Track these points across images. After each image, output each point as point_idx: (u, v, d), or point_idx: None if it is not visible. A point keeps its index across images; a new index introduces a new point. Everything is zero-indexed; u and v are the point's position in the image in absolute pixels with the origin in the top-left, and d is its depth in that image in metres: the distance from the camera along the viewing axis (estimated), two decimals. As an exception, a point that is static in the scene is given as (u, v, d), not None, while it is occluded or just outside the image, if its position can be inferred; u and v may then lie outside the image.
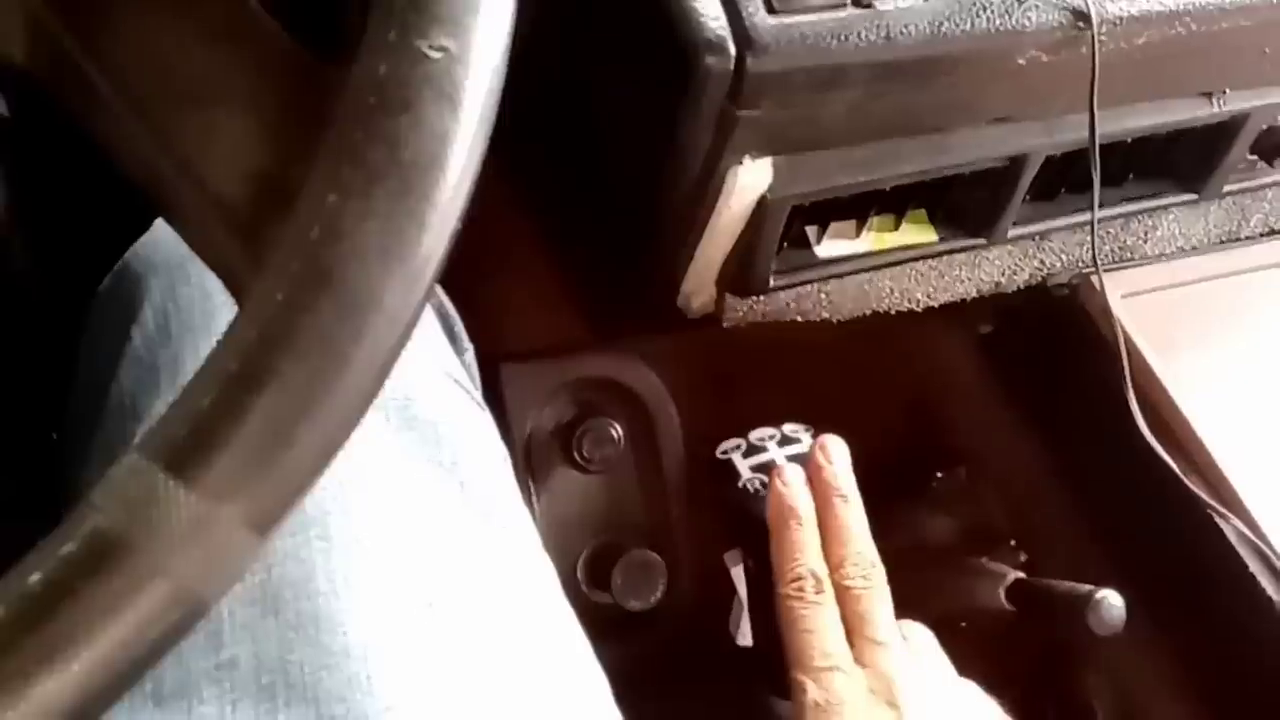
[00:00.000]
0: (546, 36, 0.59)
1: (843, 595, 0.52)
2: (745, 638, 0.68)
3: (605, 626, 0.70)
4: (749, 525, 0.65)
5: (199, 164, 0.28)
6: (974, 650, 0.74)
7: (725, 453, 0.65)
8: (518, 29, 0.30)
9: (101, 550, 0.23)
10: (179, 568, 0.24)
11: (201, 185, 0.28)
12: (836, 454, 0.57)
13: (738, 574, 0.67)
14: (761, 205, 0.57)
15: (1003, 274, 0.70)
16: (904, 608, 0.77)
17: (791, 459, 0.64)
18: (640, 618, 0.70)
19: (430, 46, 0.27)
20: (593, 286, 0.71)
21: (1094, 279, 0.66)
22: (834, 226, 0.63)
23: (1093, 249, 0.62)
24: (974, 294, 0.70)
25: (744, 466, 0.64)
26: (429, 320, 0.55)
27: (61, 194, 0.66)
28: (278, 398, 0.24)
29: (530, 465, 0.72)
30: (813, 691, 0.48)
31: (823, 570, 0.53)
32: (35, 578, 0.23)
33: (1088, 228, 0.64)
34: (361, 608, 0.41)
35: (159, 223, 0.52)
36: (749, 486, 0.63)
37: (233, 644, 0.39)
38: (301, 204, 0.26)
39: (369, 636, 0.40)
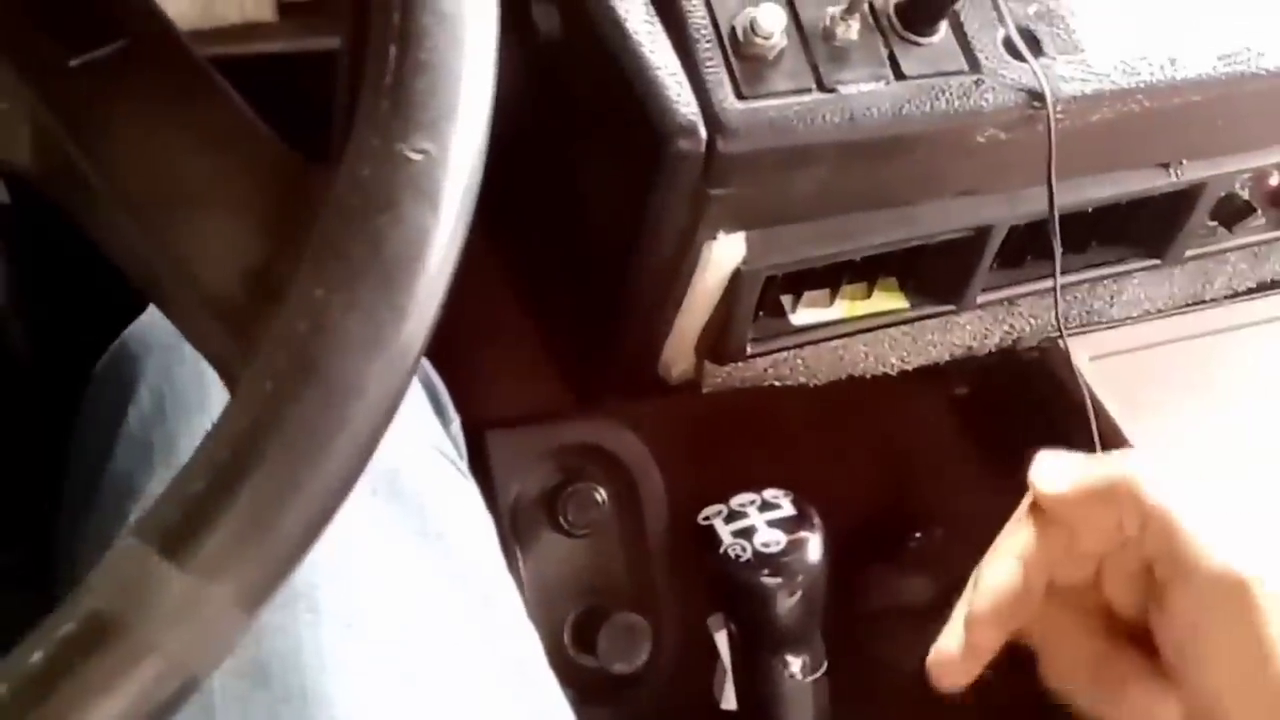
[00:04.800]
0: (529, 118, 0.62)
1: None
2: (729, 702, 0.69)
3: (591, 690, 0.71)
4: (731, 590, 0.66)
5: (193, 262, 0.30)
6: (954, 707, 0.75)
7: (707, 519, 0.67)
8: (496, 116, 0.32)
9: (98, 630, 0.25)
10: (171, 645, 0.25)
11: (196, 282, 0.30)
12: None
13: (720, 639, 0.68)
14: (736, 277, 0.59)
15: (974, 338, 0.72)
16: (885, 667, 0.78)
17: (772, 525, 0.65)
18: (626, 681, 0.71)
19: (411, 150, 0.29)
20: (576, 356, 0.73)
21: (1061, 342, 0.68)
22: (808, 295, 0.65)
23: (1056, 314, 0.64)
24: (946, 358, 0.72)
25: (725, 532, 0.65)
26: (416, 393, 0.57)
27: (60, 276, 0.67)
28: (265, 483, 0.26)
29: (516, 530, 0.74)
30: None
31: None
32: (37, 657, 0.24)
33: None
34: (348, 680, 0.42)
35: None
36: (730, 552, 0.64)
37: (223, 717, 0.40)
38: (290, 298, 0.28)
39: (355, 709, 0.41)
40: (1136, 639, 0.37)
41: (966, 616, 0.40)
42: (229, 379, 0.31)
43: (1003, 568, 0.39)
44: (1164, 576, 0.36)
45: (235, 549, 0.26)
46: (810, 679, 0.65)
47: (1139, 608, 0.38)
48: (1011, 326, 0.72)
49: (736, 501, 0.67)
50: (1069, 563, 0.39)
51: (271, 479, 0.26)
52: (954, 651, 0.40)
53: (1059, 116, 0.56)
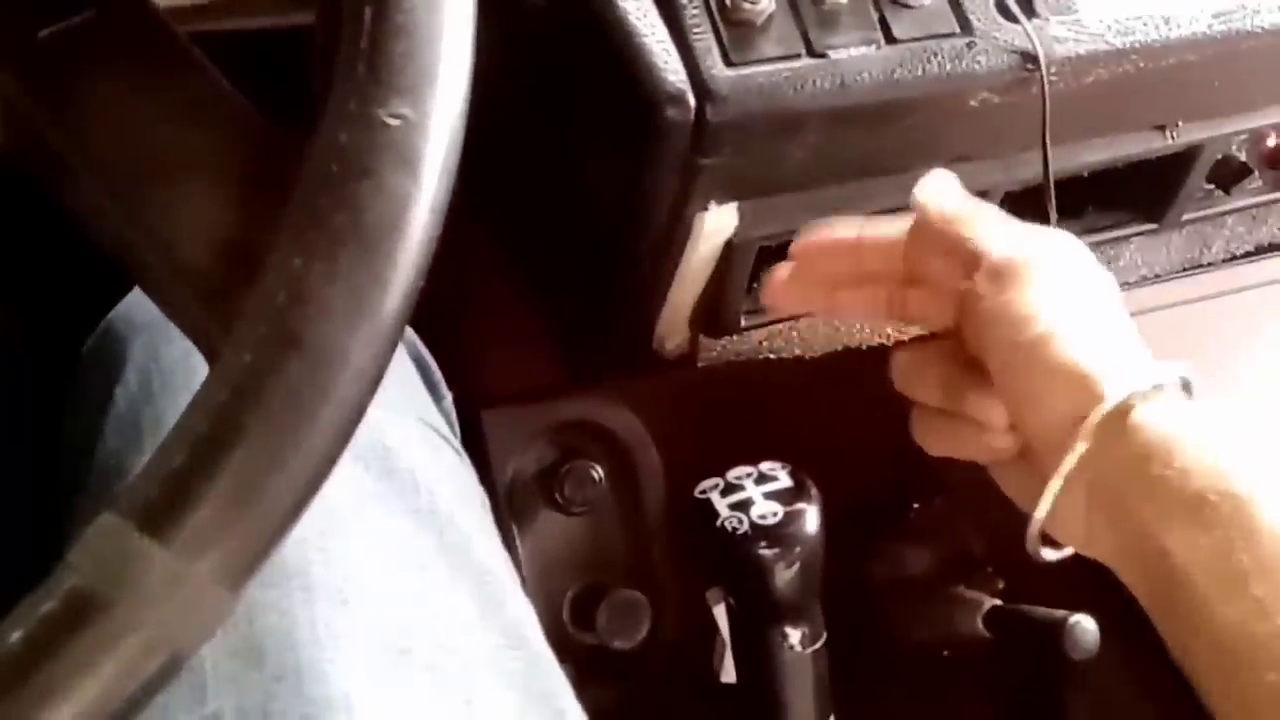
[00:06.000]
0: (515, 89, 0.61)
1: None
2: (729, 675, 0.69)
3: (592, 667, 0.70)
4: (729, 563, 0.66)
5: (169, 234, 0.30)
6: (955, 677, 0.75)
7: (703, 492, 0.66)
8: (481, 87, 0.32)
9: (79, 608, 0.24)
10: (154, 623, 0.25)
11: (172, 254, 0.30)
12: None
13: (719, 612, 0.68)
14: (729, 248, 0.58)
15: (970, 307, 0.71)
16: (885, 638, 0.78)
17: (769, 497, 0.65)
18: (626, 657, 0.71)
19: (389, 115, 0.29)
20: (569, 331, 0.72)
21: (1058, 310, 0.68)
22: (802, 266, 0.64)
23: (1054, 281, 0.63)
24: (943, 327, 0.72)
25: (722, 505, 0.65)
26: (406, 369, 0.56)
27: (45, 256, 0.67)
28: (247, 456, 0.26)
29: (513, 509, 0.73)
30: None
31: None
32: (15, 636, 0.24)
33: (1050, 260, 0.65)
34: (343, 657, 0.42)
35: (139, 283, 0.53)
36: (727, 525, 0.64)
37: (216, 696, 0.40)
38: (268, 268, 0.27)
39: (351, 686, 0.41)
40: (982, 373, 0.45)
41: (794, 244, 0.50)
42: (209, 352, 0.30)
43: (843, 226, 0.50)
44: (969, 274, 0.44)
45: (217, 524, 0.26)
46: (809, 650, 0.65)
47: None
48: (1008, 294, 0.71)
49: (733, 474, 0.66)
50: (935, 301, 0.48)
51: (253, 452, 0.26)
52: (784, 274, 0.51)
53: (1053, 78, 0.56)
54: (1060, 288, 0.44)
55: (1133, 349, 0.43)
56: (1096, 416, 0.40)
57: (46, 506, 0.54)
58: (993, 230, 0.46)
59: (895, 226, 0.49)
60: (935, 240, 0.47)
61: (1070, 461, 0.40)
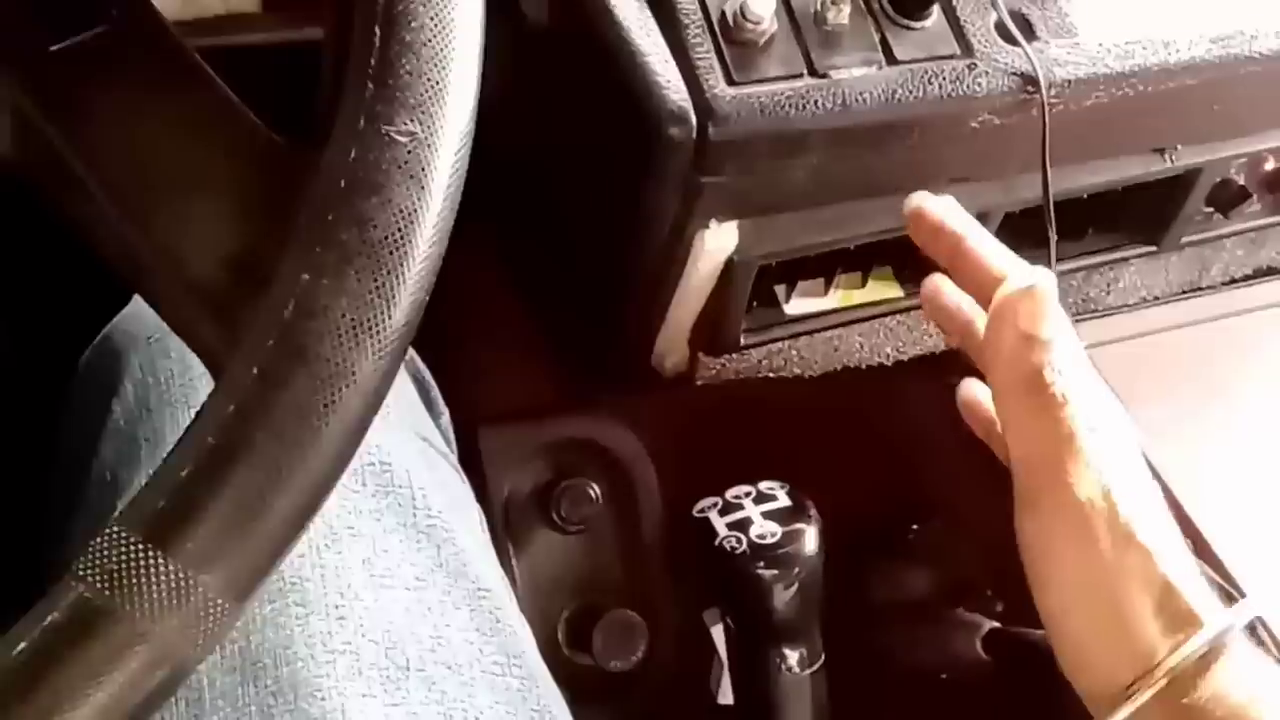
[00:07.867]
0: (517, 108, 0.61)
1: None
2: (726, 696, 0.68)
3: (587, 688, 0.70)
4: (727, 583, 0.65)
5: (177, 248, 0.30)
6: (953, 700, 0.74)
7: (702, 511, 0.66)
8: (484, 106, 0.32)
9: (85, 619, 0.24)
10: (160, 634, 0.25)
11: (179, 268, 0.30)
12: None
13: (717, 633, 0.68)
14: (729, 267, 0.58)
15: (969, 328, 0.71)
16: (884, 660, 0.78)
17: (767, 516, 0.65)
18: (622, 678, 0.71)
19: (397, 131, 0.29)
20: (568, 349, 0.72)
21: (1056, 331, 0.68)
22: (802, 285, 0.64)
23: (1052, 302, 0.63)
24: (943, 347, 0.72)
25: (720, 525, 0.65)
26: (405, 386, 0.56)
27: (41, 268, 0.67)
28: (253, 469, 0.26)
29: (509, 527, 0.73)
30: None
31: None
32: (21, 647, 0.24)
33: (1049, 282, 0.65)
34: (339, 672, 0.42)
35: (139, 297, 0.53)
36: (726, 545, 0.64)
37: (213, 712, 0.40)
38: (276, 283, 0.27)
39: (346, 701, 0.41)
40: None
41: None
42: (214, 367, 0.30)
43: None
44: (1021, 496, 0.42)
45: (223, 537, 0.26)
46: (808, 672, 0.65)
47: None
48: (1007, 315, 0.72)
49: (731, 493, 0.66)
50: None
51: (259, 465, 0.26)
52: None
53: (1052, 101, 0.56)
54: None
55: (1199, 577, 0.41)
56: (1179, 657, 0.38)
57: (41, 519, 0.53)
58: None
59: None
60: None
61: (1144, 698, 0.38)
